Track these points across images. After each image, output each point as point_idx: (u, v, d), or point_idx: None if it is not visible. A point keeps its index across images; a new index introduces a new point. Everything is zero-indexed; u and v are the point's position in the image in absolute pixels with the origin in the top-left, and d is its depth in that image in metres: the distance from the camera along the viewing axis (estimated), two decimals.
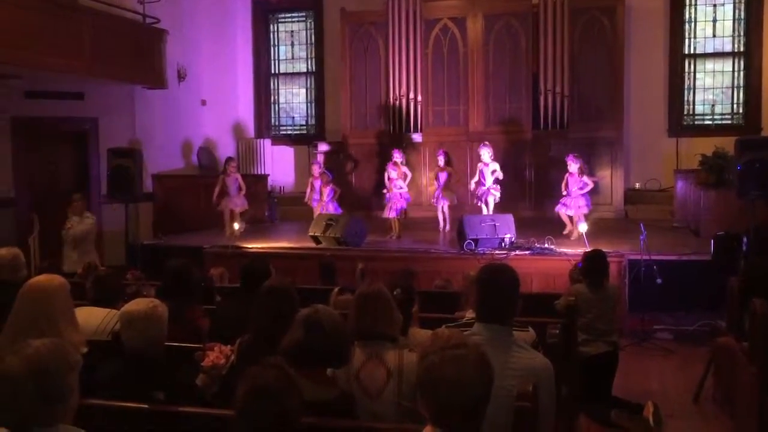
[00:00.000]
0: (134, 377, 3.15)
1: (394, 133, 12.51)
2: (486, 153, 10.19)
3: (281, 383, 2.29)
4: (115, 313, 3.93)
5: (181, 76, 12.76)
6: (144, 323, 3.26)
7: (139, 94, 11.71)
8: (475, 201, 10.32)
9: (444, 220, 10.72)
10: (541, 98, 12.02)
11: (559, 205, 9.89)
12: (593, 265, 5.85)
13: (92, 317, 4.17)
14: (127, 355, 3.26)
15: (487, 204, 10.08)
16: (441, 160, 10.76)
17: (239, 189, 10.99)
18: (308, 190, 11.14)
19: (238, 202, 10.97)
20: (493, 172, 10.11)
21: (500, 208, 10.15)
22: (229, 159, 11.38)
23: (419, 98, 12.49)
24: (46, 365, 2.14)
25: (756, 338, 4.72)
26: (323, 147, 13.01)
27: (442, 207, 10.70)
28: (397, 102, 12.53)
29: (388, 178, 10.55)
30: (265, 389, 2.25)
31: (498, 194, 10.11)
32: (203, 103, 13.78)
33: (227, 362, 3.31)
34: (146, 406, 2.94)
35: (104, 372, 3.24)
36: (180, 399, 3.05)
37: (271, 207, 13.12)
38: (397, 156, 10.61)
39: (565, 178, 9.82)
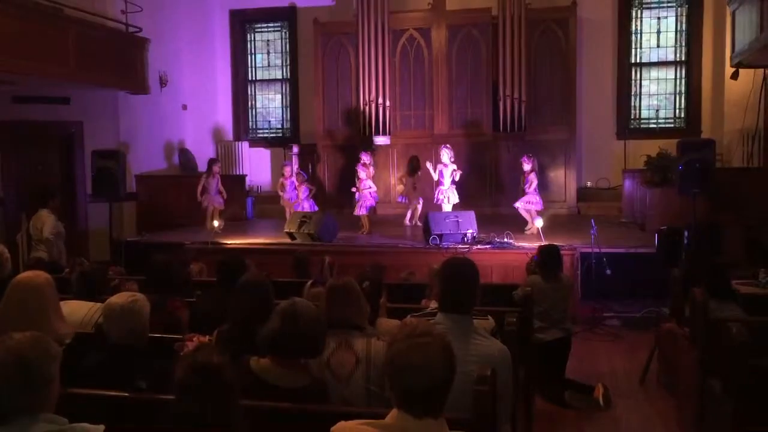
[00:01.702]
0: (116, 367, 3.10)
1: (363, 135, 12.49)
2: (446, 154, 10.15)
3: (217, 362, 2.26)
4: (99, 306, 3.88)
5: (162, 82, 12.61)
6: (125, 315, 3.21)
7: (122, 99, 11.55)
8: (435, 200, 10.30)
9: (411, 216, 10.72)
10: (501, 103, 12.07)
11: (517, 202, 9.93)
12: (548, 257, 5.89)
13: (77, 310, 4.11)
14: (109, 346, 3.21)
15: (442, 204, 10.09)
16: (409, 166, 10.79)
17: (218, 189, 10.96)
18: (279, 190, 11.12)
19: (217, 201, 10.94)
20: (452, 173, 10.09)
21: (462, 205, 10.17)
22: (213, 160, 11.31)
23: (387, 103, 12.47)
24: (27, 356, 2.10)
25: (696, 324, 4.79)
26: (297, 149, 12.94)
27: (412, 205, 10.71)
28: (367, 107, 12.50)
29: (358, 179, 10.51)
30: (202, 367, 2.21)
31: (455, 195, 10.09)
32: (184, 107, 13.63)
33: None
34: (128, 394, 2.90)
35: (88, 362, 3.18)
36: (161, 388, 3.00)
37: (249, 205, 13.02)
38: (365, 158, 10.57)
39: (523, 177, 9.89)
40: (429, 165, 10.28)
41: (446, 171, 10.09)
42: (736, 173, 10.21)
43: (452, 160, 10.14)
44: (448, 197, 10.03)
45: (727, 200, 8.83)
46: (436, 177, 10.21)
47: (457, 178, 10.08)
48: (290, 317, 2.86)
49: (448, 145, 10.38)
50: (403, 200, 10.82)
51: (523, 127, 11.98)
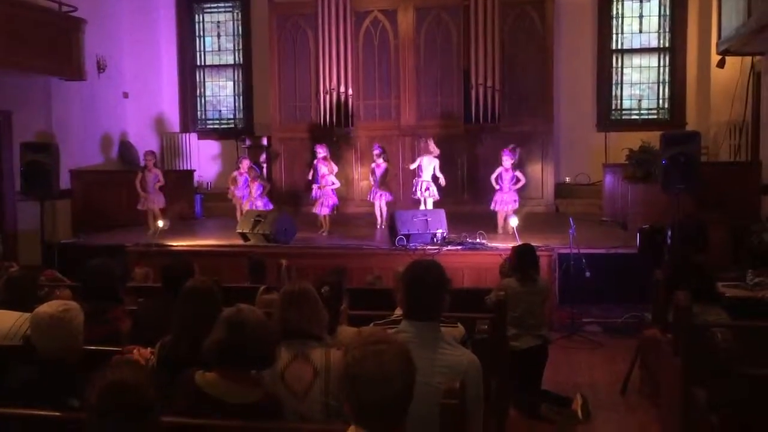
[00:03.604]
0: (47, 383, 3.04)
1: (324, 127, 12.46)
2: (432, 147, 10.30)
3: (137, 378, 2.22)
4: (27, 317, 3.80)
5: (100, 68, 12.44)
6: (55, 326, 3.16)
7: (55, 86, 11.35)
8: (413, 194, 10.36)
9: (381, 215, 10.69)
10: (473, 92, 12.13)
11: (492, 203, 9.99)
12: (523, 259, 5.93)
13: (3, 321, 4.04)
14: (39, 360, 3.15)
15: (424, 200, 10.17)
16: (377, 154, 10.71)
17: (157, 185, 10.83)
18: (230, 183, 11.05)
19: (156, 199, 10.80)
20: (434, 168, 10.22)
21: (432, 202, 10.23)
22: (149, 153, 11.14)
23: (350, 92, 12.46)
24: None
25: (680, 330, 4.86)
26: (248, 141, 12.87)
27: (380, 202, 10.68)
28: (328, 95, 12.47)
29: (318, 174, 10.46)
30: (120, 384, 2.17)
31: (435, 192, 10.18)
32: (125, 95, 13.47)
33: (146, 365, 3.23)
34: (59, 413, 2.85)
35: (16, 378, 3.12)
36: None
37: (198, 203, 12.90)
38: (322, 151, 10.51)
39: (499, 172, 9.95)
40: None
41: (427, 163, 10.16)
42: (723, 168, 10.41)
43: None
44: (429, 192, 10.13)
45: (714, 196, 9.00)
46: (414, 166, 10.26)
47: (441, 180, 10.20)
48: (235, 326, 2.85)
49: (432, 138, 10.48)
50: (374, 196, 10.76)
51: (496, 117, 12.07)
